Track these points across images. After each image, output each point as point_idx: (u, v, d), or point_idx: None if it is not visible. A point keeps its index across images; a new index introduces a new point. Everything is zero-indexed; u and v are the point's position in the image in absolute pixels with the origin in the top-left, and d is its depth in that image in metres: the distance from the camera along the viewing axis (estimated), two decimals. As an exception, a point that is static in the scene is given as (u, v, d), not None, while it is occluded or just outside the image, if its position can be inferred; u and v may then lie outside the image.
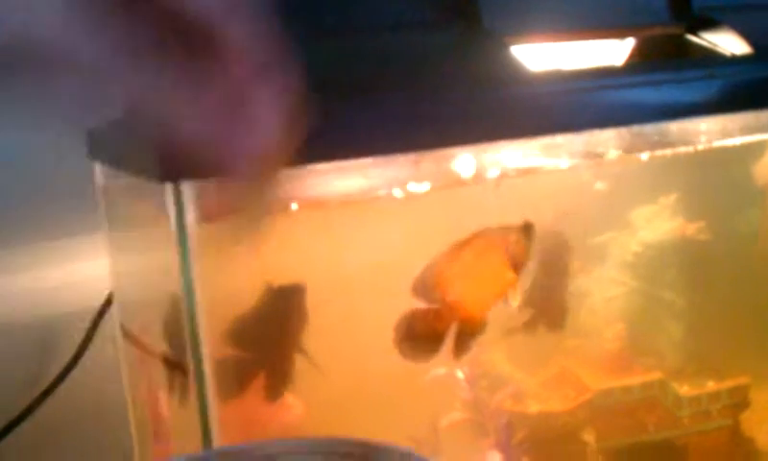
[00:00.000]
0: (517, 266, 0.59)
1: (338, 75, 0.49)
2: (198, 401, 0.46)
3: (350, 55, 0.52)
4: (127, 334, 0.67)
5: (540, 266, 0.61)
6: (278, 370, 0.57)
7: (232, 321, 0.52)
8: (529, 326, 0.64)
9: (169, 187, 0.44)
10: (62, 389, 0.80)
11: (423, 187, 0.53)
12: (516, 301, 0.59)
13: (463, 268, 0.58)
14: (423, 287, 0.57)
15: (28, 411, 0.78)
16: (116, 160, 0.57)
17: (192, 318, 0.45)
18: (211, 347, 0.46)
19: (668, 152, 0.61)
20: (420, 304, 0.58)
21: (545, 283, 0.63)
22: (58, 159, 0.80)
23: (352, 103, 0.48)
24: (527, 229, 0.59)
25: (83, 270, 0.83)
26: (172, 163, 0.43)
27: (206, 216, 0.45)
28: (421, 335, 0.58)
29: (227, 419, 0.50)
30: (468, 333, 0.59)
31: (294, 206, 0.49)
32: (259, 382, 0.57)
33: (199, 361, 0.46)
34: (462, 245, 0.58)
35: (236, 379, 0.52)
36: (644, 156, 0.61)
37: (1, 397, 0.79)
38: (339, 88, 0.48)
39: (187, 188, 0.44)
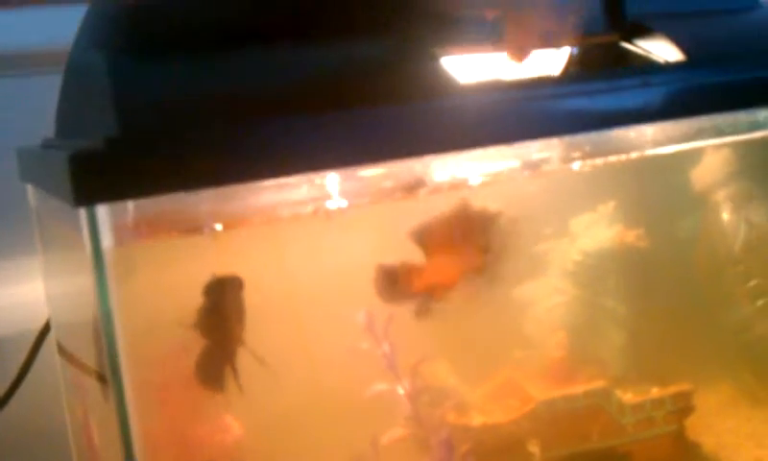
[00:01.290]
0: (483, 248, 0.60)
1: (264, 90, 0.48)
2: (119, 426, 0.45)
3: (277, 69, 0.51)
4: (64, 355, 0.66)
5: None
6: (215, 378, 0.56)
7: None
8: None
9: (83, 212, 0.43)
10: (3, 415, 0.78)
11: (345, 203, 0.53)
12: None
13: (445, 235, 0.60)
14: (419, 237, 0.59)
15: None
16: (41, 182, 0.56)
17: (111, 341, 0.44)
18: (132, 371, 0.45)
19: (605, 160, 0.61)
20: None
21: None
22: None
23: (279, 119, 0.47)
24: (496, 217, 0.61)
25: (22, 292, 0.82)
26: (86, 186, 0.42)
27: (122, 239, 0.44)
28: (400, 284, 0.60)
29: (155, 441, 0.49)
30: (435, 298, 0.61)
31: (218, 227, 0.48)
32: (193, 401, 0.56)
33: (119, 383, 0.45)
34: (451, 215, 0.60)
35: (163, 400, 0.51)
36: (580, 165, 0.61)
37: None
38: (266, 104, 0.47)
39: (102, 212, 0.43)
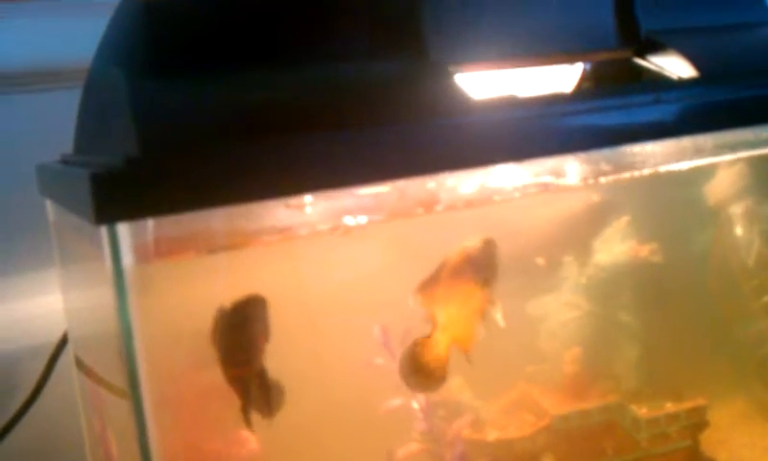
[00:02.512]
0: (485, 281, 0.59)
1: (283, 108, 0.49)
2: (138, 440, 0.46)
3: (297, 87, 0.51)
4: (81, 368, 0.67)
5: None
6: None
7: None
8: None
9: (104, 230, 0.43)
10: (20, 428, 0.79)
11: (364, 220, 0.53)
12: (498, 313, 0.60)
13: (443, 289, 0.59)
14: (424, 297, 0.59)
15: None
16: (60, 198, 0.56)
17: (130, 356, 0.45)
18: (151, 386, 0.45)
19: (618, 176, 0.61)
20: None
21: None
22: (13, 194, 0.80)
23: (298, 137, 0.47)
24: (488, 244, 0.60)
25: (40, 305, 0.82)
26: (107, 204, 0.43)
27: (142, 256, 0.44)
28: (427, 364, 0.59)
29: (173, 455, 0.49)
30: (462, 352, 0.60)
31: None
32: (210, 416, 0.56)
33: (138, 398, 0.45)
34: (440, 267, 0.59)
35: (182, 414, 0.52)
36: (594, 181, 0.62)
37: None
38: (285, 122, 0.48)
39: (123, 230, 0.44)
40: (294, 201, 0.48)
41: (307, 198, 0.49)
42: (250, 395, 0.55)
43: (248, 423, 0.55)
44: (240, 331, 0.53)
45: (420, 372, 0.60)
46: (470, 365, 0.61)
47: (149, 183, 0.43)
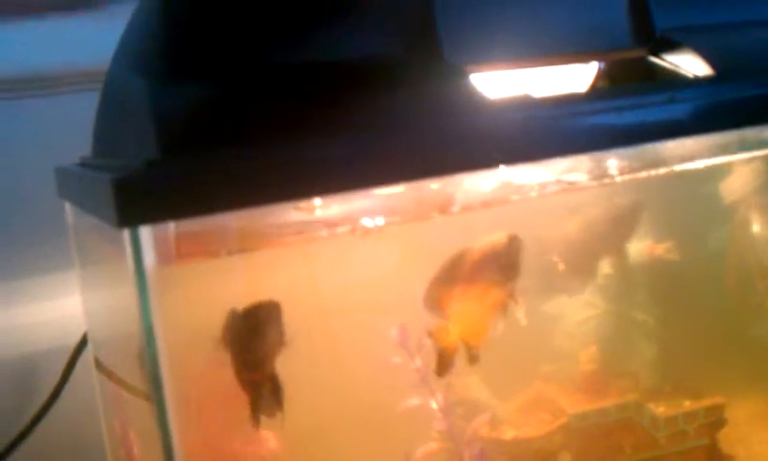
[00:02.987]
0: (506, 280, 0.59)
1: (303, 110, 0.49)
2: (162, 441, 0.46)
3: (316, 89, 0.52)
4: (101, 370, 0.67)
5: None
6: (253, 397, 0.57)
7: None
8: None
9: (127, 233, 0.44)
10: (40, 429, 0.79)
11: (382, 221, 0.53)
12: (521, 311, 0.60)
13: (460, 282, 0.59)
14: (431, 301, 0.59)
15: (5, 453, 0.78)
16: (80, 201, 0.57)
17: (153, 358, 0.45)
18: (173, 387, 0.46)
19: (633, 176, 0.62)
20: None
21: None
22: (32, 196, 0.81)
23: (319, 139, 0.48)
24: (513, 240, 0.60)
25: (59, 307, 0.83)
26: (129, 208, 0.43)
27: (164, 259, 0.45)
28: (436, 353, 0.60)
29: (195, 455, 0.50)
30: (472, 347, 0.61)
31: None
32: (230, 416, 0.57)
33: (161, 399, 0.46)
34: (456, 260, 0.59)
35: (203, 415, 0.52)
36: (610, 180, 0.62)
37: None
38: (305, 124, 0.48)
39: (145, 233, 0.44)
40: (303, 203, 0.49)
41: (318, 201, 0.49)
42: (260, 398, 0.55)
43: (256, 425, 0.56)
44: (253, 336, 0.53)
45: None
46: (470, 366, 0.61)
47: (171, 187, 0.43)
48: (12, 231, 0.84)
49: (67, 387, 0.80)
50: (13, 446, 0.79)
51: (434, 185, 0.56)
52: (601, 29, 0.65)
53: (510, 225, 0.61)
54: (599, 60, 0.67)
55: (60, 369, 0.80)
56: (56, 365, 0.80)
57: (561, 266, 0.68)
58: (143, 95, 0.49)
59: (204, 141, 0.46)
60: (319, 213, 0.50)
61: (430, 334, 0.60)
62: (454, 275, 0.59)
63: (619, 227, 0.68)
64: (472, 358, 0.61)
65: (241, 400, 0.56)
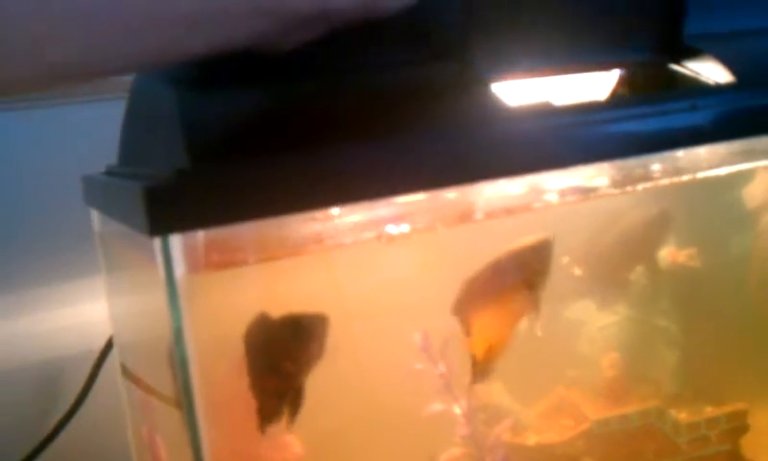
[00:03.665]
0: (534, 284, 0.60)
1: (330, 118, 0.50)
2: (192, 447, 0.47)
3: (342, 97, 0.52)
4: (127, 375, 0.68)
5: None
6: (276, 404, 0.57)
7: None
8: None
9: (158, 241, 0.45)
10: (65, 435, 0.80)
11: (406, 228, 0.54)
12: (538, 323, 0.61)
13: (486, 289, 0.59)
14: (460, 307, 0.59)
15: (29, 459, 0.79)
16: (108, 208, 0.58)
17: (183, 365, 0.46)
18: (203, 393, 0.46)
19: (655, 183, 0.62)
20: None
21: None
22: (58, 203, 0.82)
23: (347, 146, 0.48)
24: (543, 246, 0.60)
25: (84, 313, 0.84)
26: (160, 216, 0.44)
27: (195, 266, 0.45)
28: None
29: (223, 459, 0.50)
30: (494, 353, 0.61)
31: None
32: (256, 421, 0.57)
33: (191, 405, 0.46)
34: (486, 267, 0.59)
35: (230, 422, 0.53)
36: (632, 188, 0.62)
37: (2, 444, 0.80)
38: (333, 131, 0.49)
39: (176, 241, 0.45)
40: (320, 213, 0.49)
41: (335, 210, 0.50)
42: (279, 407, 0.56)
43: (263, 429, 0.56)
44: (297, 346, 0.53)
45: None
46: (482, 382, 0.61)
47: (201, 195, 0.44)
48: (37, 238, 0.85)
49: (92, 393, 0.81)
50: (38, 451, 0.80)
51: (453, 194, 0.56)
52: (622, 36, 0.65)
53: (534, 232, 0.61)
54: (620, 67, 0.67)
55: (84, 374, 0.81)
56: (80, 371, 0.81)
57: (586, 273, 0.68)
58: (172, 104, 0.49)
59: (233, 150, 0.46)
60: (344, 221, 0.50)
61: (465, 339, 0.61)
62: (485, 281, 0.59)
63: (649, 235, 0.68)
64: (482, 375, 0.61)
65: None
